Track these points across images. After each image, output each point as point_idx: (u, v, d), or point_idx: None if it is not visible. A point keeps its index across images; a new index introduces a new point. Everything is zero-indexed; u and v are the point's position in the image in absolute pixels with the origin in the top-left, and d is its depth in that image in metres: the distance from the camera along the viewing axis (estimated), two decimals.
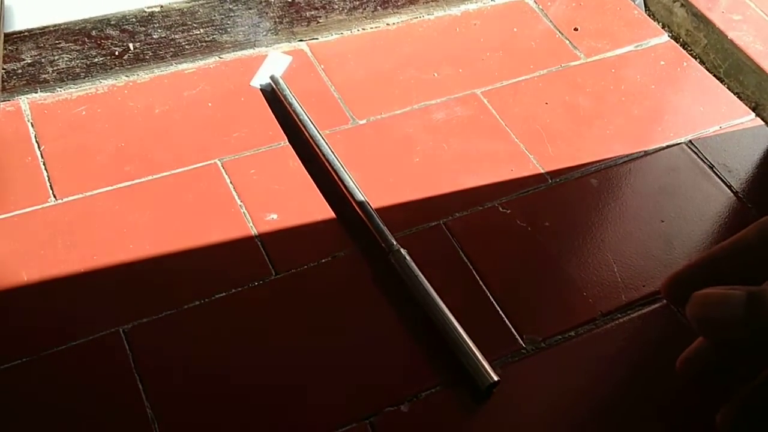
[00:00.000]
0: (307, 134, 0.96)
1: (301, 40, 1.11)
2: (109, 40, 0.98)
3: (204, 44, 1.04)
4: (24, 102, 0.97)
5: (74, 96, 0.99)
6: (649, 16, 1.25)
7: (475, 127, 1.02)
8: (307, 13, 1.08)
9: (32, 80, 0.97)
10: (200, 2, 1.00)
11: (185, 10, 0.99)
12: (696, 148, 1.03)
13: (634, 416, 0.78)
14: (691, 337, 0.84)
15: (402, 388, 0.77)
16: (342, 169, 0.92)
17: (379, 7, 1.13)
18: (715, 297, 0.30)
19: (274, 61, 1.07)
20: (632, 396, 0.80)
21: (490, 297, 0.85)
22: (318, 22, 1.10)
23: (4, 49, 0.93)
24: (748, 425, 0.32)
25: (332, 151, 0.94)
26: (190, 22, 1.01)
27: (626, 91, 1.10)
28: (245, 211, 0.89)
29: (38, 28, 0.93)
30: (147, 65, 1.02)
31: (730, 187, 0.99)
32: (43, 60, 0.96)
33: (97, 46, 0.98)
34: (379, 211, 0.89)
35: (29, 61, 0.96)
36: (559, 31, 1.18)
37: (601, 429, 0.77)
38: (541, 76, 1.11)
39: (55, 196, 0.89)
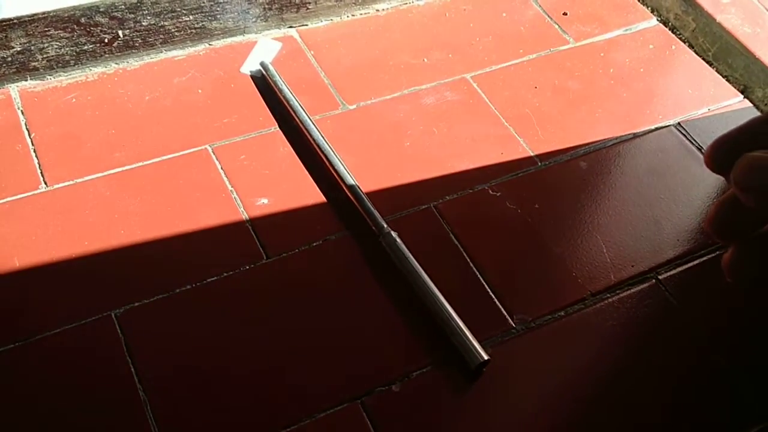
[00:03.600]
0: (297, 120, 0.97)
1: (290, 27, 1.11)
2: (99, 28, 0.98)
3: (193, 31, 1.04)
4: (14, 90, 0.98)
5: (64, 83, 0.99)
6: (638, 0, 1.26)
7: (465, 111, 1.03)
8: (297, 0, 1.08)
9: (22, 68, 0.97)
10: None
11: None
12: (684, 130, 1.04)
13: (624, 393, 0.79)
14: (679, 316, 0.85)
15: (393, 368, 0.77)
16: (332, 153, 0.92)
17: None
18: (763, 161, 0.29)
19: (264, 47, 1.07)
20: (622, 374, 0.81)
21: (480, 278, 0.85)
22: (308, 9, 1.10)
23: None
24: (752, 265, 0.32)
25: (322, 136, 0.94)
26: (179, 9, 1.01)
27: (615, 75, 1.10)
28: (236, 196, 0.90)
29: (27, 16, 0.93)
30: (137, 52, 1.03)
31: None
32: (32, 47, 0.96)
33: (87, 34, 0.98)
34: (369, 194, 0.90)
35: (19, 49, 0.96)
36: (549, 16, 1.18)
37: (590, 406, 0.78)
38: (531, 60, 1.11)
39: (45, 183, 0.89)
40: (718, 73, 1.15)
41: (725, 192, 0.32)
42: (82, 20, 0.97)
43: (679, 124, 1.05)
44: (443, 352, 0.79)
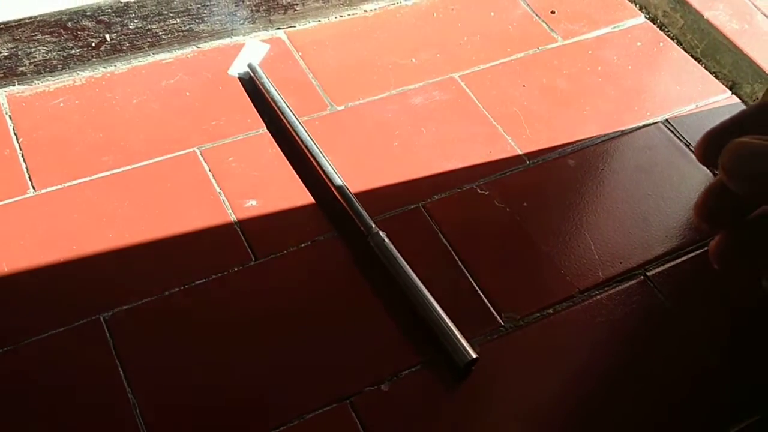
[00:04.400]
0: (285, 121, 0.97)
1: (278, 28, 1.11)
2: (86, 32, 0.98)
3: (181, 34, 1.04)
4: (2, 95, 0.97)
5: (52, 88, 0.99)
6: None
7: (453, 110, 1.03)
8: (284, 1, 1.08)
9: (9, 73, 0.97)
10: None
11: None
12: (672, 126, 1.04)
13: (613, 389, 0.79)
14: (667, 312, 0.85)
15: (382, 368, 0.78)
16: (320, 154, 0.93)
17: None
18: (751, 147, 0.29)
19: (252, 49, 1.07)
20: (611, 370, 0.81)
21: (469, 277, 0.85)
22: (295, 10, 1.10)
23: None
24: (739, 251, 0.32)
25: (310, 137, 0.94)
26: (166, 12, 1.01)
27: (603, 73, 1.10)
28: (224, 198, 0.90)
29: (14, 21, 0.93)
30: (124, 56, 1.03)
31: None
32: (19, 53, 0.96)
33: (74, 38, 0.98)
34: (358, 195, 0.90)
35: (6, 54, 0.96)
36: (536, 15, 1.19)
37: (579, 403, 0.78)
38: (519, 59, 1.11)
39: (34, 188, 0.89)
40: (706, 69, 1.15)
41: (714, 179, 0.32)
42: (69, 24, 0.97)
43: (667, 120, 1.05)
44: (432, 351, 0.79)
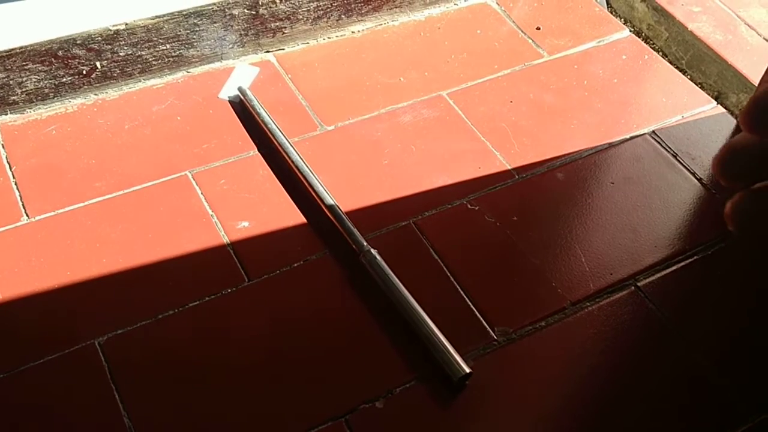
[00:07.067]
0: (275, 142, 0.98)
1: (267, 51, 1.12)
2: (76, 60, 0.99)
3: (171, 59, 1.05)
4: None
5: (44, 116, 1.01)
6: (611, 12, 1.28)
7: (441, 127, 1.04)
8: (272, 25, 1.10)
9: (1, 102, 0.98)
10: (165, 18, 1.01)
11: (150, 26, 1.01)
12: (659, 138, 1.05)
13: (605, 401, 0.80)
14: (659, 322, 0.86)
15: (377, 384, 0.78)
16: (311, 174, 0.93)
17: (343, 16, 1.15)
18: None
19: (242, 72, 1.08)
20: (604, 381, 0.81)
21: (461, 292, 0.86)
22: (283, 33, 1.12)
23: None
24: (758, 213, 0.30)
25: (301, 158, 0.95)
26: (155, 39, 1.02)
27: (589, 86, 1.12)
28: (216, 221, 0.90)
29: (4, 51, 0.95)
30: (115, 82, 1.04)
31: (693, 174, 1.01)
32: (11, 82, 0.97)
33: (65, 66, 0.99)
34: (349, 213, 0.91)
35: None
36: (522, 31, 1.20)
37: (572, 416, 0.78)
38: (506, 75, 1.12)
39: (27, 215, 0.89)
40: (692, 80, 1.17)
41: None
42: (60, 53, 0.98)
43: (653, 132, 1.06)
44: (426, 367, 0.79)
